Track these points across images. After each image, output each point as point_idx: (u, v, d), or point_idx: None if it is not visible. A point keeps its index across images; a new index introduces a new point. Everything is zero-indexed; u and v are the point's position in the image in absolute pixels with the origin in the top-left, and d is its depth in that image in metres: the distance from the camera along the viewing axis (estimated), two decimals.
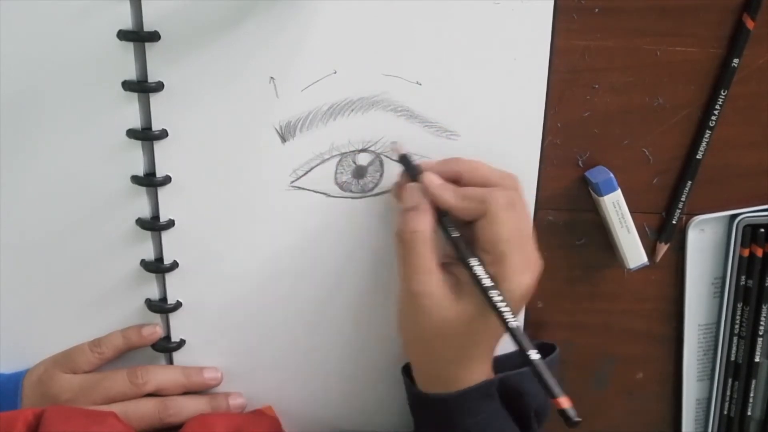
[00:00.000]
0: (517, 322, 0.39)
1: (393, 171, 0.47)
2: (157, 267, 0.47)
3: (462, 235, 0.42)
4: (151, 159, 0.45)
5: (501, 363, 0.46)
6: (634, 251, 0.48)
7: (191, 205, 0.47)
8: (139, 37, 0.42)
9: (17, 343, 0.48)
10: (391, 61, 0.45)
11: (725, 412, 0.53)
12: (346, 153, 0.46)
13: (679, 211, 0.49)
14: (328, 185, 0.47)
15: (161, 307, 0.48)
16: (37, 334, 0.48)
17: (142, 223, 0.46)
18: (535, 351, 0.39)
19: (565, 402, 0.38)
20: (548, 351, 0.48)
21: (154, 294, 0.48)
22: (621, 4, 0.45)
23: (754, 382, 0.52)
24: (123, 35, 0.42)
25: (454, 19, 0.44)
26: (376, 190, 0.47)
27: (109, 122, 0.44)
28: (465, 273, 0.41)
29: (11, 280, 0.47)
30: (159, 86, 0.44)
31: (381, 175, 0.47)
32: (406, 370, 0.47)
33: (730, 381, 0.52)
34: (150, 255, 0.47)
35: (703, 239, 0.50)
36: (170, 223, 0.47)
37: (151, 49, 0.43)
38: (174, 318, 0.49)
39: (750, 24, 0.45)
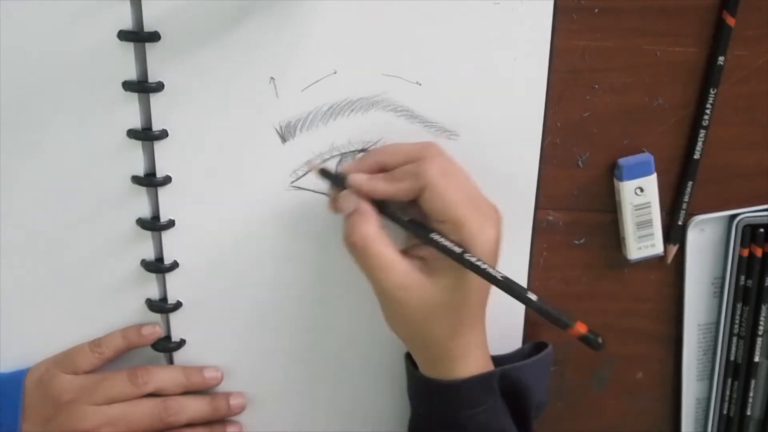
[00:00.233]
0: (504, 275, 0.39)
1: None
2: (157, 267, 0.47)
3: (411, 218, 0.42)
4: (151, 159, 0.45)
5: (502, 362, 0.46)
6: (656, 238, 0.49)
7: (191, 205, 0.47)
8: (139, 37, 0.42)
9: (17, 343, 0.48)
10: (391, 61, 0.45)
11: (725, 412, 0.53)
12: (346, 153, 0.46)
13: (683, 211, 0.49)
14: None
15: (161, 307, 0.48)
16: (37, 334, 0.48)
17: (142, 223, 0.46)
18: (533, 293, 0.39)
19: (582, 327, 0.37)
20: (542, 350, 0.48)
21: (154, 294, 0.48)
22: (621, 4, 0.45)
23: (753, 382, 0.52)
24: (123, 35, 0.42)
25: (454, 19, 0.44)
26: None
27: (109, 122, 0.44)
28: (430, 251, 0.41)
29: (11, 280, 0.47)
30: (159, 86, 0.44)
31: None
32: (409, 355, 0.47)
33: (729, 381, 0.52)
34: (150, 255, 0.48)
35: (703, 239, 0.50)
36: (170, 223, 0.47)
37: (151, 49, 0.43)
38: (174, 318, 0.49)
39: (730, 21, 0.45)
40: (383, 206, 0.42)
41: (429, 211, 0.41)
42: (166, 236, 0.47)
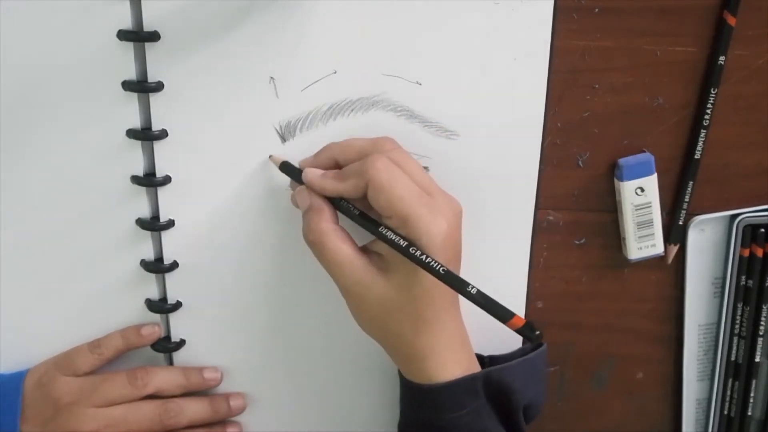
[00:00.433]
0: (445, 268, 0.39)
1: None
2: (157, 267, 0.47)
3: (362, 212, 0.42)
4: (151, 159, 0.45)
5: (497, 363, 0.46)
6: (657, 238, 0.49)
7: (191, 205, 0.47)
8: (139, 37, 0.42)
9: (17, 343, 0.48)
10: (391, 61, 0.45)
11: (725, 412, 0.53)
12: None
13: (684, 211, 0.49)
14: None
15: (161, 307, 0.48)
16: (37, 334, 0.48)
17: (142, 223, 0.46)
18: (472, 286, 0.39)
19: (519, 321, 0.37)
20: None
21: (154, 294, 0.48)
22: (621, 4, 0.45)
23: (754, 382, 0.52)
24: (123, 35, 0.42)
25: (454, 19, 0.44)
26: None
27: (109, 122, 0.44)
28: (386, 247, 0.41)
29: (11, 280, 0.47)
30: (159, 86, 0.44)
31: None
32: None
33: (730, 381, 0.52)
34: (150, 255, 0.48)
35: (704, 239, 0.50)
36: (170, 223, 0.47)
37: (151, 49, 0.43)
38: (174, 318, 0.49)
39: (731, 21, 0.45)
40: (337, 201, 0.42)
41: (376, 207, 0.41)
42: (166, 236, 0.47)
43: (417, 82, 0.45)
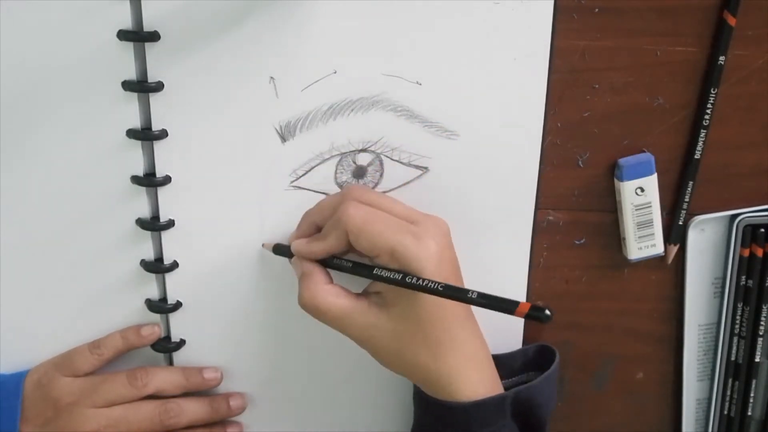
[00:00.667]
0: (443, 284, 0.39)
1: (393, 171, 0.47)
2: (157, 267, 0.47)
3: (354, 262, 0.43)
4: (151, 159, 0.45)
5: (503, 363, 0.46)
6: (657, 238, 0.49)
7: (191, 205, 0.47)
8: (139, 37, 0.42)
9: (17, 343, 0.48)
10: (391, 61, 0.45)
11: (725, 412, 0.53)
12: (346, 153, 0.46)
13: (684, 211, 0.49)
14: (328, 185, 0.47)
15: (161, 307, 0.48)
16: (37, 334, 0.48)
17: (142, 223, 0.46)
18: (472, 291, 0.39)
19: (524, 306, 0.37)
20: (547, 354, 0.48)
21: (154, 294, 0.48)
22: (621, 4, 0.45)
23: (754, 382, 0.52)
24: (123, 35, 0.42)
25: (454, 19, 0.44)
26: (376, 190, 0.47)
27: (109, 122, 0.44)
28: (382, 285, 0.42)
29: (11, 280, 0.47)
30: (159, 86, 0.44)
31: (381, 175, 0.47)
32: None
33: (730, 381, 0.52)
34: (150, 255, 0.48)
35: (704, 239, 0.50)
36: (170, 223, 0.47)
37: (151, 49, 0.43)
38: (174, 318, 0.49)
39: (731, 21, 0.45)
40: (329, 261, 0.43)
41: (362, 252, 0.41)
42: (166, 236, 0.47)
43: (417, 82, 0.45)
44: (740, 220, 0.49)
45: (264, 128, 0.45)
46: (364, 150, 0.46)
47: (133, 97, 0.44)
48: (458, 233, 0.48)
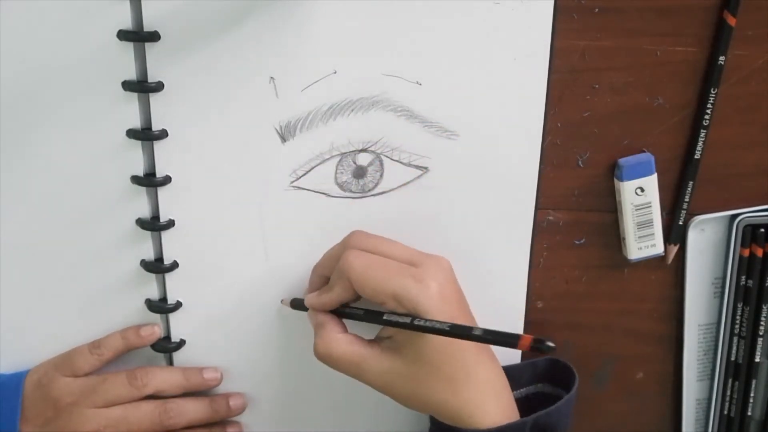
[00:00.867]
0: (449, 323, 0.39)
1: (393, 171, 0.47)
2: (157, 267, 0.47)
3: (365, 309, 0.44)
4: (151, 159, 0.45)
5: (509, 374, 0.45)
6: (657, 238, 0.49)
7: (191, 205, 0.47)
8: (139, 37, 0.42)
9: (17, 343, 0.48)
10: (391, 61, 0.45)
11: (725, 412, 0.53)
12: (346, 153, 0.46)
13: (684, 211, 0.49)
14: (328, 185, 0.47)
15: (161, 307, 0.48)
16: (37, 334, 0.48)
17: (142, 223, 0.46)
18: (475, 328, 0.39)
19: (526, 339, 0.37)
20: (559, 367, 0.48)
21: (154, 294, 0.48)
22: (621, 4, 0.45)
23: (754, 382, 0.52)
24: (123, 35, 0.42)
25: (454, 19, 0.44)
26: (376, 190, 0.47)
27: (109, 122, 0.44)
28: (392, 329, 0.43)
29: (11, 280, 0.47)
30: (159, 86, 0.44)
31: (381, 175, 0.47)
32: None
33: (730, 381, 0.52)
34: (150, 255, 0.48)
35: (703, 239, 0.50)
36: (170, 223, 0.47)
37: (151, 49, 0.43)
38: (174, 318, 0.49)
39: (731, 21, 0.45)
40: (341, 311, 0.44)
41: (368, 298, 0.42)
42: (166, 236, 0.47)
43: (417, 82, 0.45)
44: (740, 220, 0.49)
45: (264, 128, 0.45)
46: (364, 150, 0.46)
47: (134, 97, 0.44)
48: (458, 233, 0.48)
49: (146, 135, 0.44)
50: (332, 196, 0.47)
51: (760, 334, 0.51)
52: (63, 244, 0.47)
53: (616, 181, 0.48)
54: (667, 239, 0.50)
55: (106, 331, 0.48)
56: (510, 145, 0.47)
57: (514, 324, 0.50)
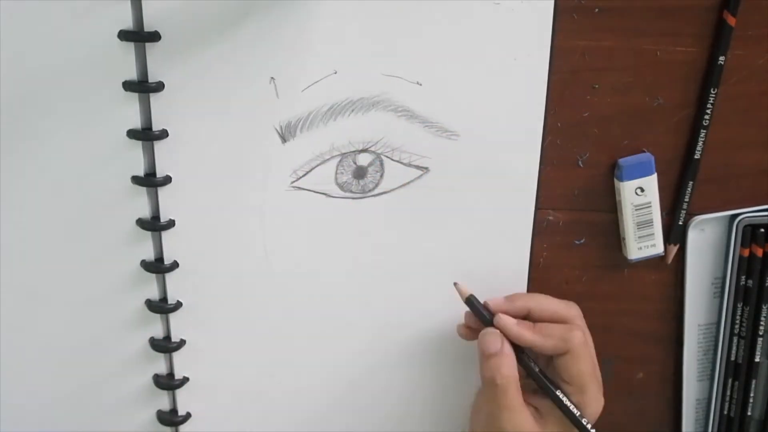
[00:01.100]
0: None
1: (393, 171, 0.47)
2: (157, 267, 0.47)
3: (541, 370, 0.45)
4: (151, 159, 0.45)
5: None
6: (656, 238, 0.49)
7: (191, 205, 0.47)
8: (139, 37, 0.42)
9: (16, 344, 0.48)
10: (391, 61, 0.45)
11: (725, 412, 0.53)
12: (346, 153, 0.46)
13: (684, 211, 0.49)
14: (329, 185, 0.47)
15: (161, 307, 0.48)
16: (36, 335, 0.48)
17: (142, 223, 0.46)
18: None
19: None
20: None
21: (154, 294, 0.48)
22: (621, 4, 0.45)
23: (754, 382, 0.52)
24: (123, 35, 0.42)
25: (454, 19, 0.44)
26: (376, 191, 0.47)
27: (109, 122, 0.44)
28: (544, 403, 0.44)
29: (11, 280, 0.47)
30: (159, 86, 0.44)
31: (381, 176, 0.47)
32: None
33: (730, 381, 0.52)
34: (150, 255, 0.48)
35: (703, 239, 0.50)
36: (170, 223, 0.47)
37: (151, 49, 0.43)
38: (174, 318, 0.49)
39: (731, 21, 0.45)
40: (519, 352, 0.45)
41: (561, 371, 0.44)
42: (166, 236, 0.47)
43: (417, 82, 0.45)
44: (740, 220, 0.49)
45: (264, 128, 0.45)
46: (364, 150, 0.46)
47: (134, 97, 0.44)
48: (458, 233, 0.48)
49: (146, 135, 0.44)
50: (332, 197, 0.47)
51: (760, 334, 0.51)
52: (63, 243, 0.47)
53: (616, 181, 0.48)
54: (667, 239, 0.50)
55: (106, 331, 0.48)
56: (510, 145, 0.47)
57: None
